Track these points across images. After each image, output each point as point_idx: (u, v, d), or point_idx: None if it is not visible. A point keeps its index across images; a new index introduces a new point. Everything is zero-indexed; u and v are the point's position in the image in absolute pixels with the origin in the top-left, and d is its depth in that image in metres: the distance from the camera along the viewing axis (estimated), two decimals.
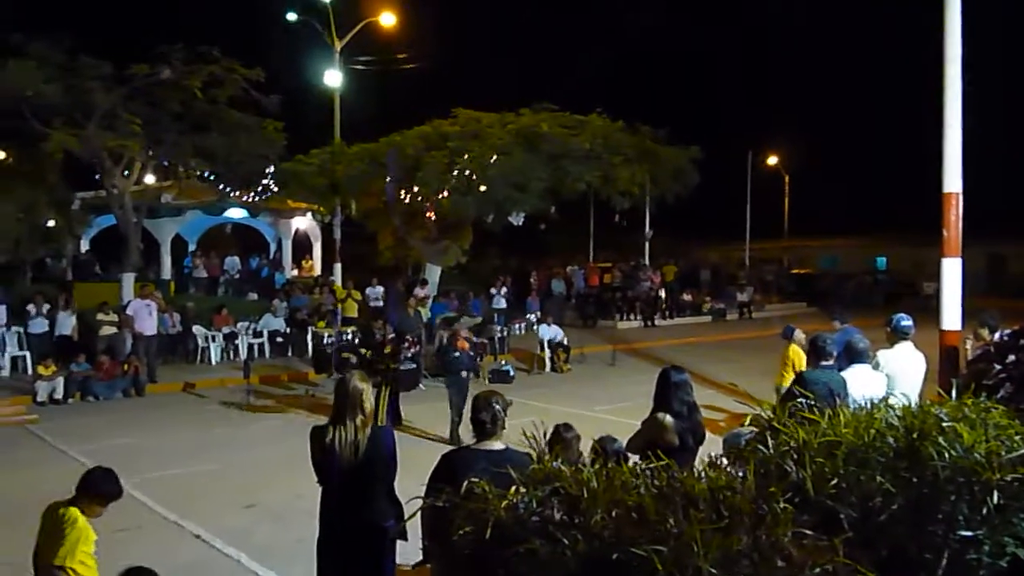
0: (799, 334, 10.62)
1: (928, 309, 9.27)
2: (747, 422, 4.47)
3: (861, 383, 5.99)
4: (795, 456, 3.65)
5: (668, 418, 5.36)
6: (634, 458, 4.94)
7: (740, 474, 3.44)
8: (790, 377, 9.93)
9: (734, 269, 37.74)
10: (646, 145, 21.57)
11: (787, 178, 44.73)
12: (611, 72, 45.38)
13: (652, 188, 22.83)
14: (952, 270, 8.49)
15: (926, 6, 8.90)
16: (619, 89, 40.67)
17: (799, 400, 4.34)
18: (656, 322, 26.81)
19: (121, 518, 4.99)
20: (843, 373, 6.22)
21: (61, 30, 17.11)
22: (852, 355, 6.59)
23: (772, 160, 43.62)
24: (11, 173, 19.38)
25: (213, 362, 18.54)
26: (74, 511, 4.74)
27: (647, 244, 31.32)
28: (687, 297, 29.44)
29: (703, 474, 3.40)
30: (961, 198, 8.44)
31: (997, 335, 7.93)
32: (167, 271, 24.88)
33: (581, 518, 3.09)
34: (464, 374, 12.12)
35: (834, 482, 3.50)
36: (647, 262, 30.93)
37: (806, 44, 46.19)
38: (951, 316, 8.50)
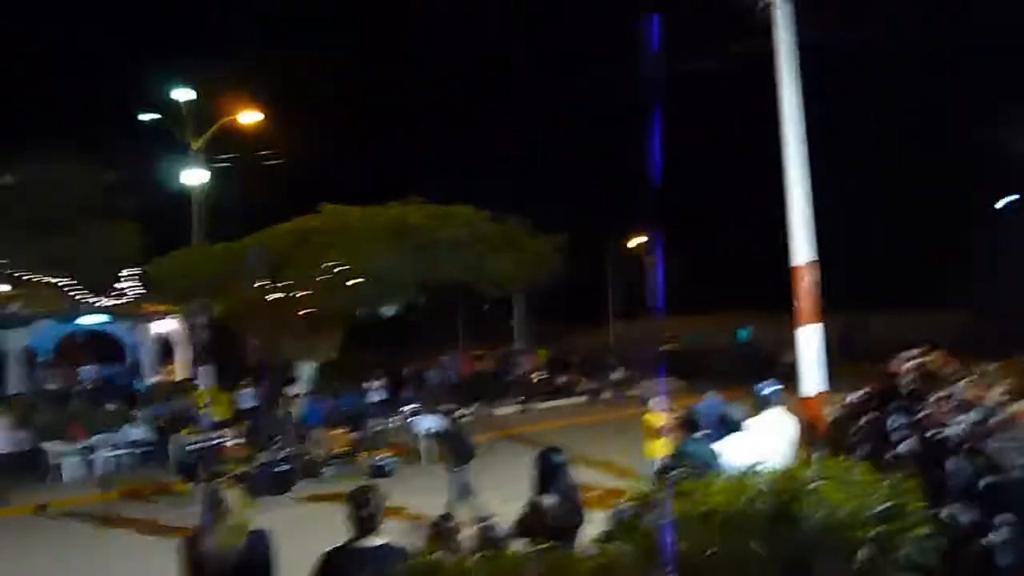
0: (652, 401, 11.35)
1: (790, 377, 9.68)
2: (626, 498, 4.52)
3: (736, 452, 6.16)
4: (675, 526, 3.71)
5: (548, 500, 5.36)
6: (520, 542, 4.90)
7: (627, 549, 3.47)
8: (654, 444, 10.61)
9: (604, 351, 38.53)
10: (513, 234, 22.01)
11: (646, 260, 46.39)
12: (476, 163, 46.32)
13: (519, 276, 23.22)
14: (807, 338, 8.93)
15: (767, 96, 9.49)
16: (484, 180, 41.47)
17: (673, 472, 4.44)
18: (534, 405, 26.93)
19: None
20: (718, 443, 6.38)
21: None
22: (729, 425, 6.78)
23: (633, 243, 45.29)
24: None
25: (67, 479, 17.35)
26: None
27: (516, 330, 31.66)
28: (562, 379, 29.77)
29: (589, 551, 3.41)
30: (812, 269, 8.94)
31: (851, 397, 8.32)
32: (16, 384, 23.33)
33: None
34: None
35: (709, 552, 3.56)
36: (520, 347, 31.22)
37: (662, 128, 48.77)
38: (809, 382, 8.90)
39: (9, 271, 19.57)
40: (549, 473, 5.49)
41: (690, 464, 5.08)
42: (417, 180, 23.96)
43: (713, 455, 6.07)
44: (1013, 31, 24.50)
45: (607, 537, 4.04)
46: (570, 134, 49.12)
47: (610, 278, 41.73)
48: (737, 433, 6.71)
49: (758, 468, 4.39)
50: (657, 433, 11.07)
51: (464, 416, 13.27)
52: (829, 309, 9.81)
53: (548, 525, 5.09)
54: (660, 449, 11.14)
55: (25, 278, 20.23)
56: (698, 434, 6.47)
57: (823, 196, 10.53)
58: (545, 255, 23.05)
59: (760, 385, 7.46)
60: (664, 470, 5.30)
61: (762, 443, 6.80)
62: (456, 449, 12.11)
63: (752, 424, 7.09)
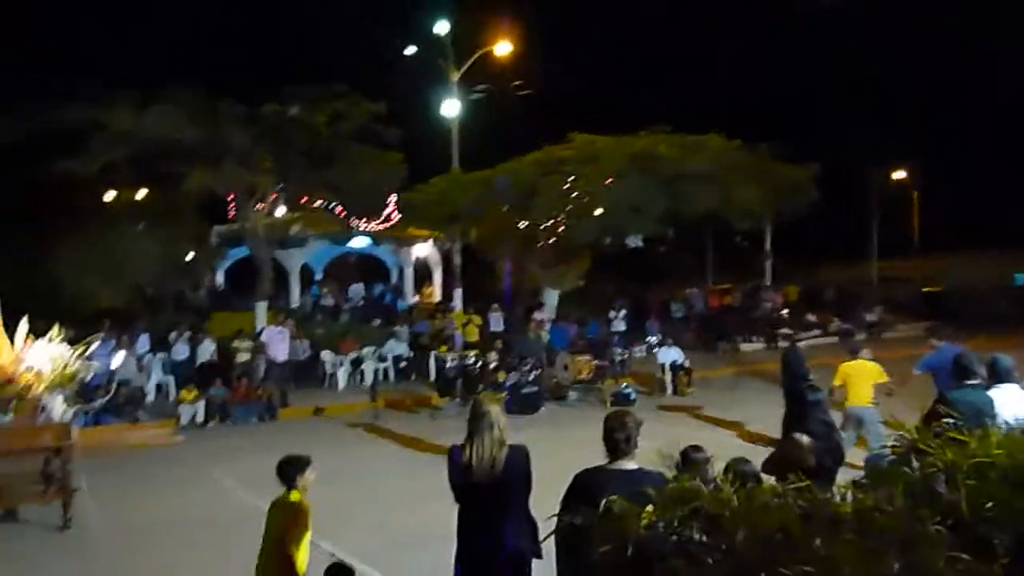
0: (863, 352, 11.23)
1: None
2: (888, 443, 4.32)
3: (1011, 404, 5.69)
4: (944, 477, 3.51)
5: (805, 438, 5.24)
6: (770, 480, 4.84)
7: (886, 495, 3.34)
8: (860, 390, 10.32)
9: (861, 289, 36.41)
10: (764, 164, 21.17)
11: (916, 194, 43.03)
12: (728, 91, 44.62)
13: (771, 207, 22.38)
14: None
15: None
16: (737, 108, 39.98)
17: (944, 420, 4.18)
18: (780, 343, 26.08)
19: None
20: (991, 392, 5.93)
21: (198, 75, 18.22)
22: (998, 375, 6.27)
23: (899, 175, 42.10)
24: (154, 211, 20.59)
25: (340, 387, 19.11)
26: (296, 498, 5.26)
27: (768, 264, 30.61)
28: (811, 317, 28.55)
29: (848, 495, 3.31)
30: None
31: None
32: (296, 299, 25.82)
33: (722, 538, 3.05)
34: None
35: (989, 505, 3.35)
36: (768, 283, 30.22)
37: (925, 50, 44.17)
38: None
39: (291, 195, 21.46)
40: (806, 410, 5.36)
41: (962, 412, 4.75)
42: (666, 108, 23.54)
43: (991, 403, 5.64)
44: None
45: (866, 482, 3.90)
46: (830, 60, 46.09)
47: (872, 212, 39.07)
48: (1010, 383, 6.18)
49: None
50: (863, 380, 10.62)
51: (802, 340, 13.50)
52: None
53: (804, 464, 4.98)
54: (865, 398, 10.51)
55: (303, 202, 22.09)
56: (971, 381, 6.03)
57: None
58: (799, 185, 22.02)
59: None
60: (933, 416, 4.99)
61: None
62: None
63: None
